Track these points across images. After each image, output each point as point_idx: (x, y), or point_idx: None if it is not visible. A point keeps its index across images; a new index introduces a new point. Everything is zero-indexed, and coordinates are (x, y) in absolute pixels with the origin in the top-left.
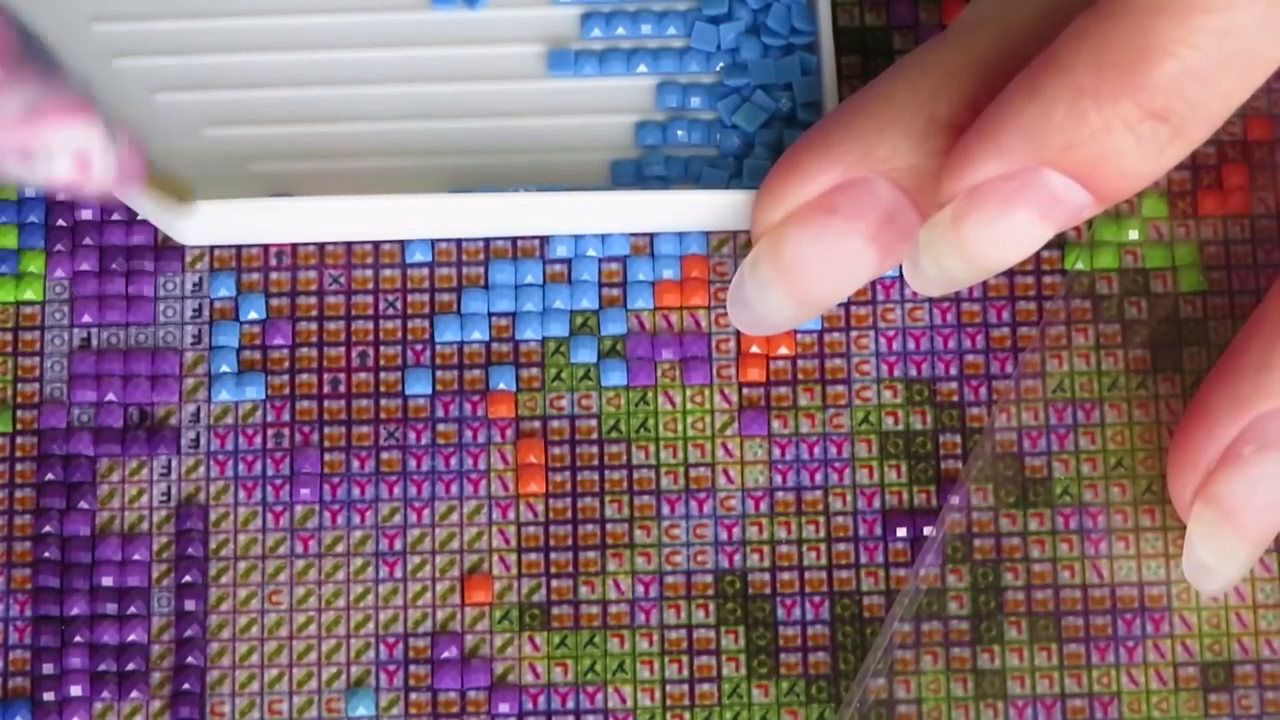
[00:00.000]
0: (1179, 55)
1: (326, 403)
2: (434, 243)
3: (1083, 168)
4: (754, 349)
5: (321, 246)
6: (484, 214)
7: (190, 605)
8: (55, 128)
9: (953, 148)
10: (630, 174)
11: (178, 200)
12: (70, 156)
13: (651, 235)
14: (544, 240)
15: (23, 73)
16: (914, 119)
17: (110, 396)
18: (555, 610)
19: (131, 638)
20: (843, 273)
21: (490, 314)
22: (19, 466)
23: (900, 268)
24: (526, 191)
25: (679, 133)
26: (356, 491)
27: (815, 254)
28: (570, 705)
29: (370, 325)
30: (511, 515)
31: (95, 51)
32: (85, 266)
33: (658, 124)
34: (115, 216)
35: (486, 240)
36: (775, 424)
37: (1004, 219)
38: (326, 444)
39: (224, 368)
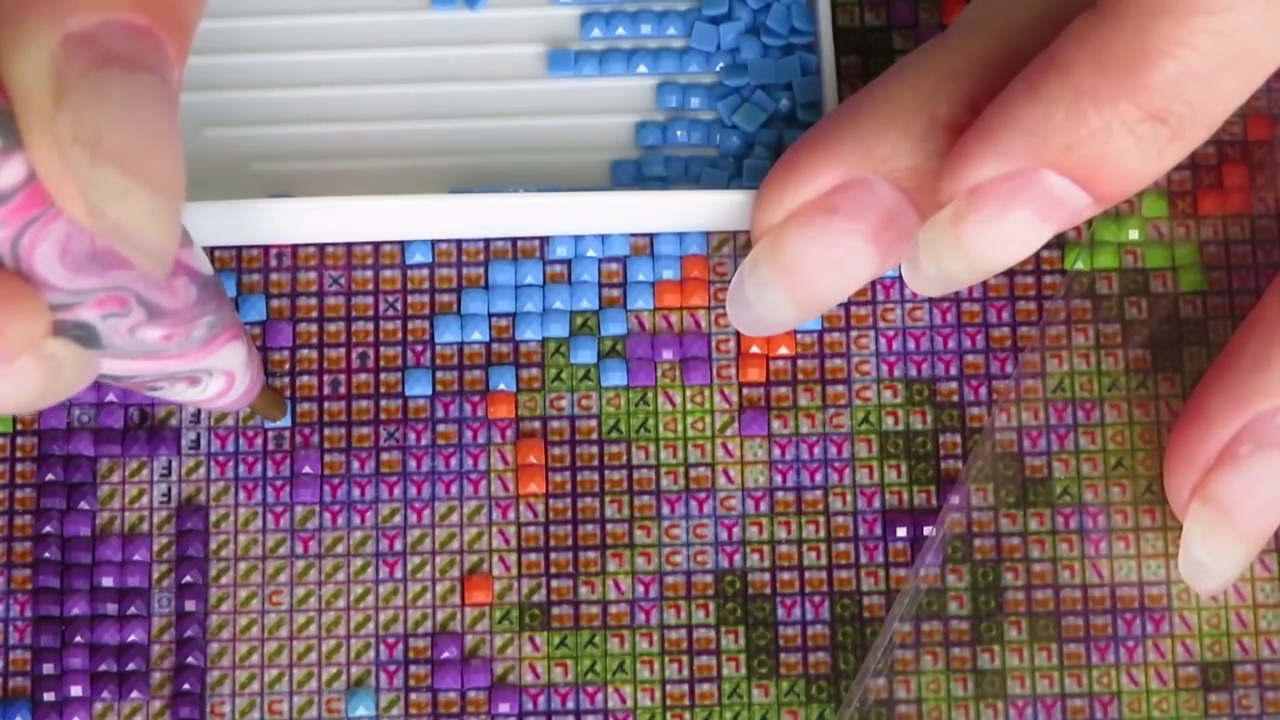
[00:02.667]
0: (1178, 56)
1: (327, 404)
2: (434, 243)
3: (1082, 168)
4: (754, 349)
5: (321, 247)
6: (484, 214)
7: (190, 605)
8: (221, 351)
9: (953, 148)
10: (630, 174)
11: (274, 416)
12: (223, 375)
13: (651, 235)
14: (544, 240)
15: (206, 304)
16: (914, 119)
17: (110, 397)
18: (555, 610)
19: (131, 638)
20: (843, 273)
21: (490, 314)
22: (19, 466)
23: (900, 268)
24: (526, 191)
25: (679, 133)
26: (356, 492)
27: (815, 254)
28: (570, 705)
29: (370, 326)
30: (511, 515)
31: None
32: None
33: (658, 124)
34: None
35: (486, 240)
36: (775, 424)
37: (1004, 219)
38: (327, 445)
39: None
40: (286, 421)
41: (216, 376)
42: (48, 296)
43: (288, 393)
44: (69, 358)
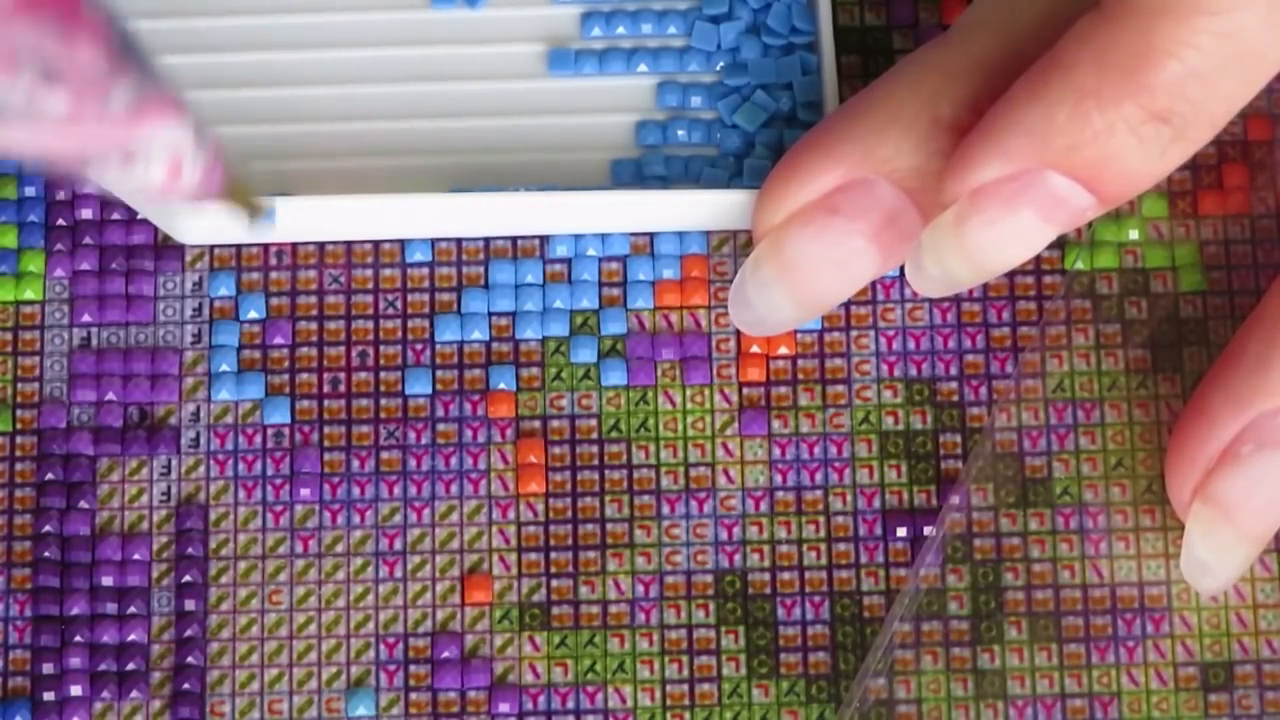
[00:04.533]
0: (1181, 57)
1: (326, 402)
2: (434, 242)
3: (1085, 169)
4: (754, 349)
5: (321, 246)
6: (484, 214)
7: (190, 605)
8: (154, 127)
9: (956, 149)
10: (630, 174)
11: (252, 212)
12: (166, 158)
13: (651, 235)
14: (544, 240)
15: (126, 69)
16: (916, 119)
17: (110, 396)
18: (555, 610)
19: (131, 637)
20: (844, 273)
21: (490, 314)
22: (19, 466)
23: (901, 268)
24: (526, 191)
25: (679, 132)
26: (356, 491)
27: (817, 254)
28: (570, 705)
29: (370, 325)
30: (511, 515)
31: None
32: (85, 266)
33: (658, 123)
34: (115, 216)
35: (486, 240)
36: (775, 424)
37: (1007, 220)
38: (326, 443)
39: (224, 367)
40: (286, 419)
41: (157, 159)
42: None
43: (287, 390)
44: None
